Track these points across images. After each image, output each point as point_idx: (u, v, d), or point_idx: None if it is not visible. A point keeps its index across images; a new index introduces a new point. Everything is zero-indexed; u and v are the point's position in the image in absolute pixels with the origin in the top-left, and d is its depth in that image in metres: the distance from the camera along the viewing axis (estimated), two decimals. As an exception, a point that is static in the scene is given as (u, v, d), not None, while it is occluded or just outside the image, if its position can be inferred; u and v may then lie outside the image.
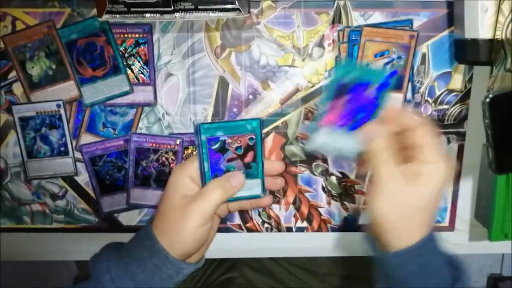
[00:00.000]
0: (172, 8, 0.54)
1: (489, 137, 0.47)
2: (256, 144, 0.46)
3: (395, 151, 0.43)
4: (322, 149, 0.45)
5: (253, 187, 0.48)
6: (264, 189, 0.48)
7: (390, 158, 0.43)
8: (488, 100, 0.45)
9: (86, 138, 0.60)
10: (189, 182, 0.47)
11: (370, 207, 0.43)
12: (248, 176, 0.47)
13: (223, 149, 0.46)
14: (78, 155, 0.60)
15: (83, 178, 0.61)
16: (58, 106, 0.59)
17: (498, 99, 0.45)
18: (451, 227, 0.64)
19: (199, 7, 0.54)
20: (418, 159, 0.42)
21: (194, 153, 0.59)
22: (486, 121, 0.46)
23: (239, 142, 0.46)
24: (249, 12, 0.55)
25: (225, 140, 0.45)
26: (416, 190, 0.42)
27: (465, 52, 0.55)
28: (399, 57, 0.57)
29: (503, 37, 0.51)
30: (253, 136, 0.46)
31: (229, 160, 0.47)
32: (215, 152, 0.46)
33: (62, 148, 0.60)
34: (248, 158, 0.47)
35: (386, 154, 0.43)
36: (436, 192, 0.42)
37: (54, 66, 0.58)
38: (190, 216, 0.45)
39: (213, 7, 0.53)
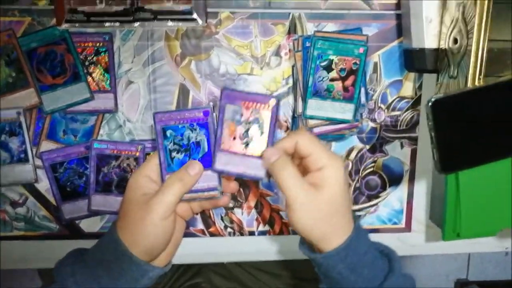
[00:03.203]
0: (132, 17, 0.55)
1: (433, 139, 0.49)
2: (358, 70, 0.47)
3: (295, 166, 0.46)
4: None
5: (346, 111, 0.49)
6: (355, 116, 0.50)
7: (293, 171, 0.45)
8: (430, 103, 0.47)
9: (47, 145, 0.60)
10: (147, 181, 0.48)
11: (291, 222, 0.45)
12: (344, 99, 0.48)
13: (329, 68, 0.47)
14: (38, 162, 0.60)
15: (43, 185, 0.61)
16: (18, 113, 0.59)
17: (439, 102, 0.47)
18: (408, 228, 0.67)
19: (158, 16, 0.56)
20: (313, 169, 0.45)
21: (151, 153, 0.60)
22: (430, 123, 0.48)
23: (344, 64, 0.48)
24: (206, 22, 0.57)
25: (332, 60, 0.47)
26: (322, 197, 0.44)
27: (413, 61, 0.58)
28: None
29: (446, 47, 0.54)
30: (358, 62, 0.48)
31: (332, 80, 0.48)
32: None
33: (22, 155, 0.60)
34: (349, 81, 0.48)
35: (289, 167, 0.45)
36: (340, 192, 0.44)
37: (13, 74, 0.58)
38: (152, 209, 0.46)
39: (172, 17, 0.55)
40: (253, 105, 0.46)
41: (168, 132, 0.47)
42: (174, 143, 0.47)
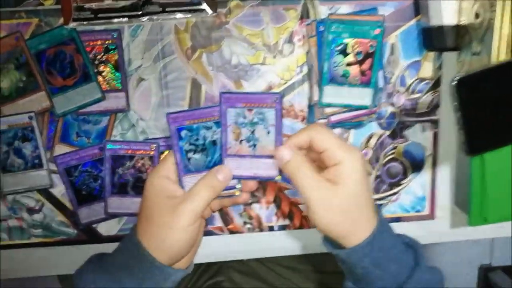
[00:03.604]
0: (140, 12, 0.54)
1: (459, 120, 0.47)
2: (375, 52, 0.46)
3: (311, 163, 0.45)
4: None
5: (365, 96, 0.48)
6: (374, 101, 0.50)
7: (309, 170, 0.43)
8: (455, 82, 0.45)
9: (60, 149, 0.59)
10: (168, 183, 0.47)
11: (312, 222, 0.44)
12: (362, 84, 0.47)
13: (344, 52, 0.46)
14: (52, 166, 0.59)
15: (59, 190, 0.60)
16: (30, 118, 0.58)
17: (464, 81, 0.45)
18: (431, 215, 0.65)
19: (167, 9, 0.54)
20: (330, 164, 0.43)
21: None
22: (455, 103, 0.46)
23: (361, 47, 0.47)
24: (216, 12, 0.56)
25: (348, 43, 0.45)
26: (341, 193, 0.42)
27: (432, 39, 0.56)
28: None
29: (467, 22, 0.52)
30: (374, 44, 0.46)
31: (348, 65, 0.47)
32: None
33: (36, 161, 0.59)
34: (366, 65, 0.47)
35: (304, 167, 0.43)
36: (358, 186, 0.43)
37: (24, 78, 0.57)
38: (181, 216, 0.45)
39: (181, 8, 0.53)
40: (255, 105, 0.45)
41: (183, 133, 0.45)
42: (190, 143, 0.46)
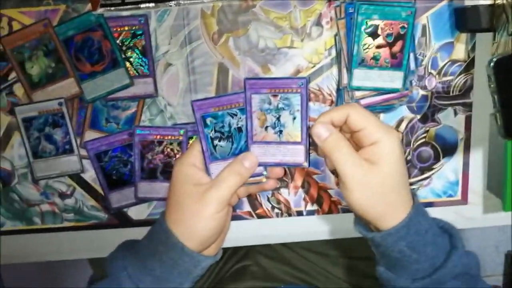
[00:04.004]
0: (166, -4, 0.54)
1: (496, 102, 0.46)
2: (406, 34, 0.45)
3: (348, 141, 0.44)
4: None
5: (396, 79, 0.47)
6: (405, 84, 0.49)
7: (348, 148, 0.43)
8: (492, 64, 0.44)
9: (90, 135, 0.60)
10: (195, 170, 0.47)
11: (347, 201, 0.43)
12: (392, 67, 0.47)
13: (374, 34, 0.46)
14: (83, 152, 0.60)
15: (90, 175, 0.61)
16: (60, 104, 0.58)
17: (502, 62, 0.44)
18: (464, 200, 0.63)
19: (193, -7, 0.54)
20: (366, 143, 0.42)
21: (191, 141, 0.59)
22: (492, 85, 0.45)
23: (391, 29, 0.46)
24: (243, -6, 0.55)
25: (378, 25, 0.45)
26: (379, 173, 0.42)
27: (466, 20, 0.54)
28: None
29: (504, 1, 0.50)
30: (405, 25, 0.46)
31: (378, 47, 0.47)
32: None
33: (67, 146, 0.60)
34: (396, 47, 0.47)
35: (343, 145, 0.43)
36: (397, 167, 0.42)
37: (53, 64, 0.58)
38: (208, 203, 0.45)
39: (207, -8, 0.53)
40: (280, 91, 0.44)
41: (208, 120, 0.45)
42: (215, 131, 0.45)
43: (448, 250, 0.45)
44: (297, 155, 0.46)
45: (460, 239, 0.45)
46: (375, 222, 0.43)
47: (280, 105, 0.45)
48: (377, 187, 0.42)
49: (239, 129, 0.46)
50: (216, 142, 0.46)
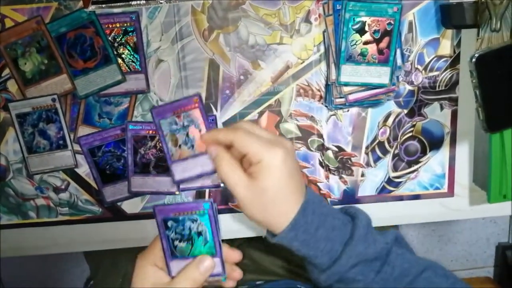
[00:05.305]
0: (157, -6, 0.54)
1: (477, 97, 0.47)
2: (393, 30, 0.47)
3: (236, 159, 0.47)
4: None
5: (383, 75, 0.53)
6: (392, 79, 0.52)
7: (231, 167, 0.46)
8: (474, 59, 0.45)
9: (84, 130, 0.61)
10: (154, 269, 0.49)
11: (244, 213, 0.47)
12: (379, 63, 0.50)
13: (361, 30, 0.48)
14: (77, 147, 0.61)
15: (83, 170, 0.62)
16: (53, 100, 0.59)
17: (483, 57, 0.45)
18: (450, 193, 0.65)
19: (184, -10, 0.54)
20: (253, 163, 0.46)
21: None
22: (474, 81, 0.46)
23: (378, 25, 0.48)
24: (233, -8, 0.56)
25: (365, 21, 0.47)
26: (258, 187, 0.45)
27: (451, 16, 0.55)
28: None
29: (487, -2, 0.51)
30: (392, 22, 0.48)
31: (366, 43, 0.49)
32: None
33: (61, 142, 0.61)
34: (383, 43, 0.49)
35: (226, 164, 0.46)
36: (276, 179, 0.45)
37: (46, 61, 0.59)
38: None
39: (197, -11, 0.54)
40: (181, 111, 0.48)
41: (169, 223, 0.47)
42: (176, 233, 0.48)
43: (346, 241, 0.47)
44: (212, 162, 0.49)
45: (360, 226, 0.48)
46: (270, 230, 0.48)
47: (185, 123, 0.49)
48: (259, 199, 0.46)
49: (199, 233, 0.48)
50: (176, 242, 0.48)
